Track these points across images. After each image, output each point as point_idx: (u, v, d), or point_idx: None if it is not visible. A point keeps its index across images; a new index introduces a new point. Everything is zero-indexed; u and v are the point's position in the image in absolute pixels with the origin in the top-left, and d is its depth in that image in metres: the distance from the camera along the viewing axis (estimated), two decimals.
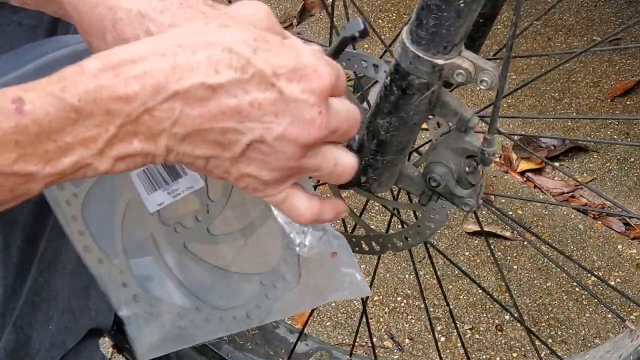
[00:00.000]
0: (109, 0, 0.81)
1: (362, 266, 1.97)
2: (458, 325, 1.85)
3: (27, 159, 0.66)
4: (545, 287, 1.97)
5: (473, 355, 1.84)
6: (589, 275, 1.96)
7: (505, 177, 2.23)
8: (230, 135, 0.72)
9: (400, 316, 1.91)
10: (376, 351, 1.79)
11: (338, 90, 0.76)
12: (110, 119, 0.67)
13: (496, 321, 1.91)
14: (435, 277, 1.76)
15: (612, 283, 1.97)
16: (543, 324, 1.90)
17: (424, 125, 1.06)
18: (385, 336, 1.88)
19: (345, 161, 0.79)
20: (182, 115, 0.70)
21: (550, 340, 1.86)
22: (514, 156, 2.28)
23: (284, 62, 0.71)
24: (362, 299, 1.60)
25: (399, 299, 1.95)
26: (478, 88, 0.96)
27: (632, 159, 2.27)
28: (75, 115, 0.66)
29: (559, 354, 1.75)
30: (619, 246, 2.05)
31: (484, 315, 1.92)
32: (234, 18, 0.75)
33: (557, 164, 2.26)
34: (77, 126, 0.67)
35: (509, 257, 2.03)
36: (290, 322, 1.84)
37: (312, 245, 0.95)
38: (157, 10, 0.78)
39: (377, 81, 1.10)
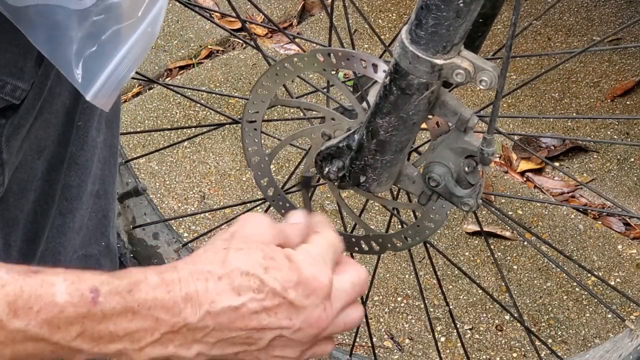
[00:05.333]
0: None
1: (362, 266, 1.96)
2: (458, 325, 1.85)
3: (84, 339, 0.80)
4: (545, 287, 1.97)
5: (473, 355, 1.84)
6: (589, 275, 1.96)
7: (505, 177, 2.23)
8: (255, 335, 0.87)
9: (400, 316, 1.91)
10: (376, 351, 1.79)
11: (339, 261, 0.96)
12: (157, 326, 0.83)
13: (496, 321, 1.91)
14: (435, 277, 1.76)
15: (612, 283, 1.97)
16: (543, 324, 1.90)
17: (424, 125, 1.06)
18: (385, 336, 1.88)
19: (352, 318, 0.93)
20: (213, 329, 0.85)
21: (550, 340, 1.86)
22: (514, 156, 2.28)
23: (289, 278, 0.87)
24: (361, 298, 1.60)
25: (399, 299, 1.95)
26: (477, 88, 0.96)
27: (632, 159, 2.27)
28: (132, 316, 0.81)
29: (559, 354, 1.75)
30: (619, 246, 2.05)
31: (484, 315, 1.92)
32: (243, 237, 0.89)
33: (557, 164, 2.26)
34: (131, 324, 0.82)
35: (509, 257, 2.03)
36: None
37: None
38: None
39: (376, 81, 1.10)
